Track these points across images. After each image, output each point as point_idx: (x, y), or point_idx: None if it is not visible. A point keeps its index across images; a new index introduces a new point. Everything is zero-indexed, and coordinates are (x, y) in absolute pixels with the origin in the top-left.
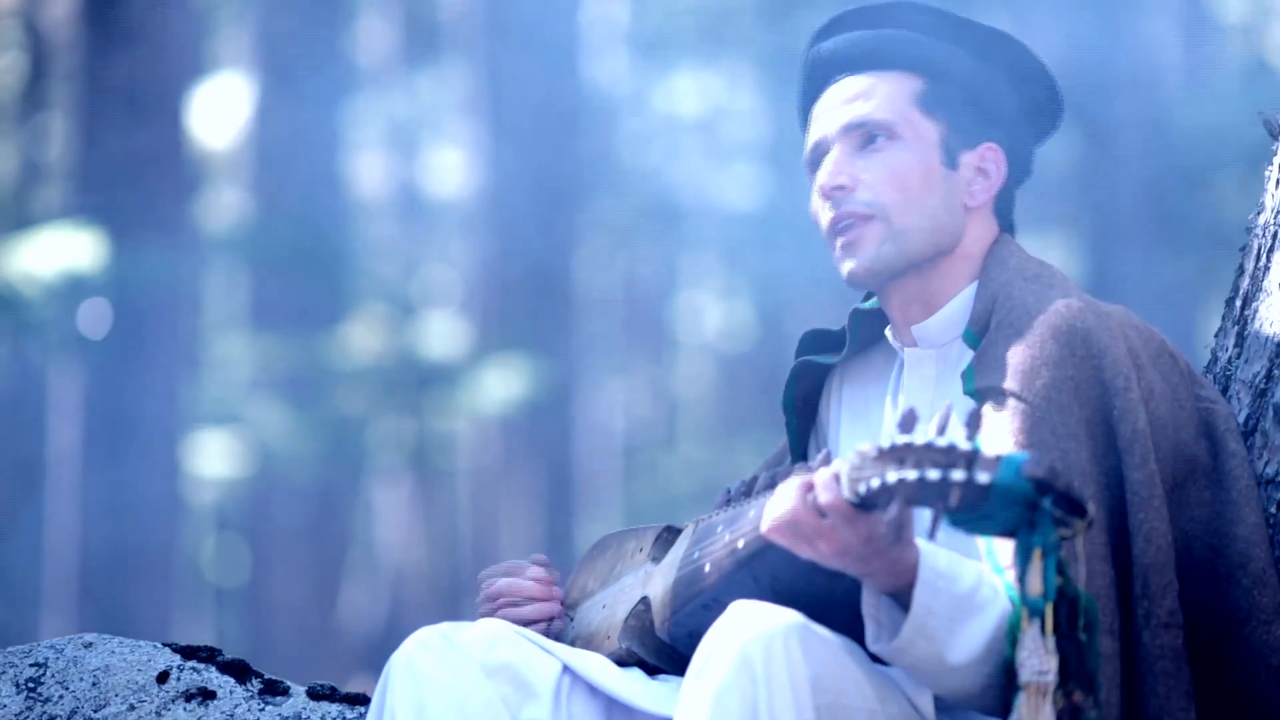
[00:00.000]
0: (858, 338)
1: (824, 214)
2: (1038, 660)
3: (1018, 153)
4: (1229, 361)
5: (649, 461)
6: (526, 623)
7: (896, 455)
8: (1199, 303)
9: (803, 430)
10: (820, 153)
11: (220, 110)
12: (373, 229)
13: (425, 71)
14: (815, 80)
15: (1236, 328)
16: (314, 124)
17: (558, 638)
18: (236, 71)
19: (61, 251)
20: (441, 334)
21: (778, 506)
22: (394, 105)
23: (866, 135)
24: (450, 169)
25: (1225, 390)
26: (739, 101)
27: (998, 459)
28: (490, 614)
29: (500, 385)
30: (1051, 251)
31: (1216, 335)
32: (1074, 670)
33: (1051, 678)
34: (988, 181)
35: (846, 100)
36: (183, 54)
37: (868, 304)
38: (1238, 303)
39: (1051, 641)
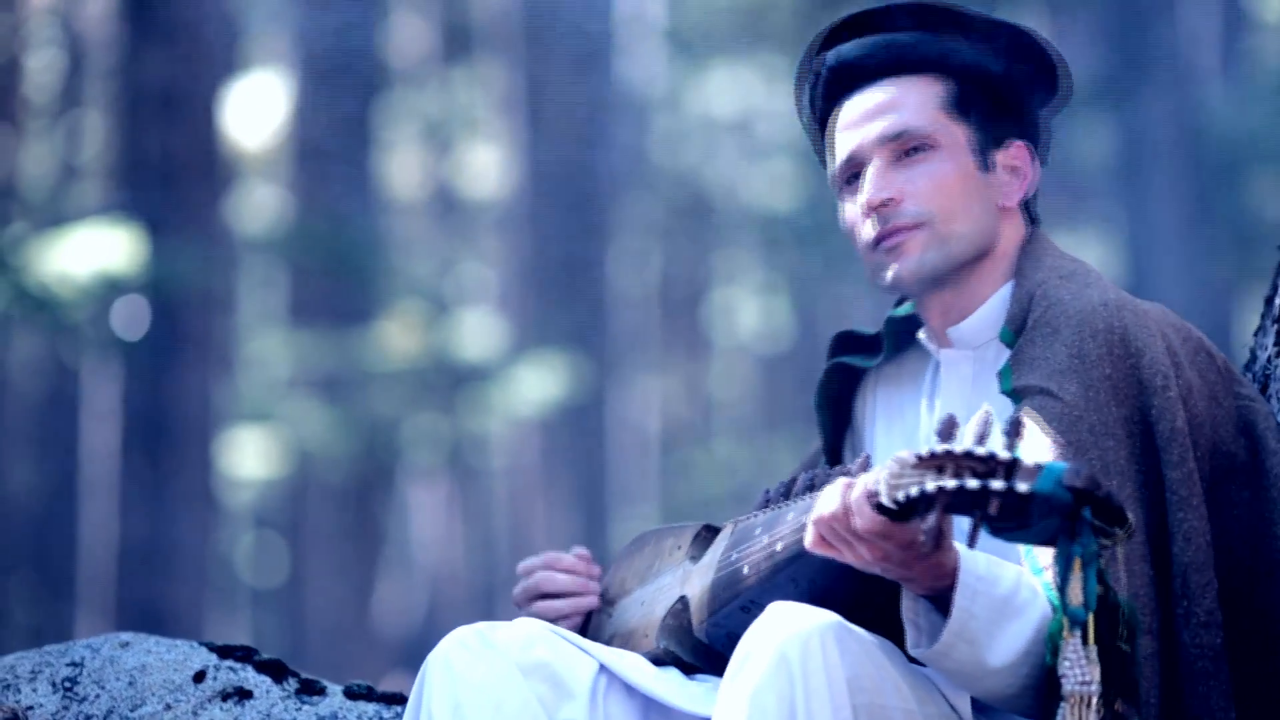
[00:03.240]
0: (892, 343)
1: (867, 229)
2: (1080, 670)
3: (1040, 143)
4: (1268, 360)
5: (684, 461)
6: (561, 617)
7: (935, 463)
8: (1237, 300)
9: (836, 432)
10: (854, 167)
11: (256, 109)
12: (408, 227)
13: (460, 70)
14: (831, 91)
15: (1276, 325)
16: (349, 122)
17: (596, 633)
18: (272, 70)
19: (97, 250)
20: (477, 333)
21: (817, 517)
22: (429, 104)
23: (904, 146)
24: (485, 167)
25: (1264, 389)
26: (775, 100)
27: (1038, 468)
28: (524, 605)
29: (535, 384)
30: (1088, 249)
31: (1256, 333)
32: (1116, 679)
33: (1095, 688)
34: (1020, 180)
35: (876, 110)
36: (219, 52)
37: (900, 310)
38: (1277, 301)
39: (1094, 651)
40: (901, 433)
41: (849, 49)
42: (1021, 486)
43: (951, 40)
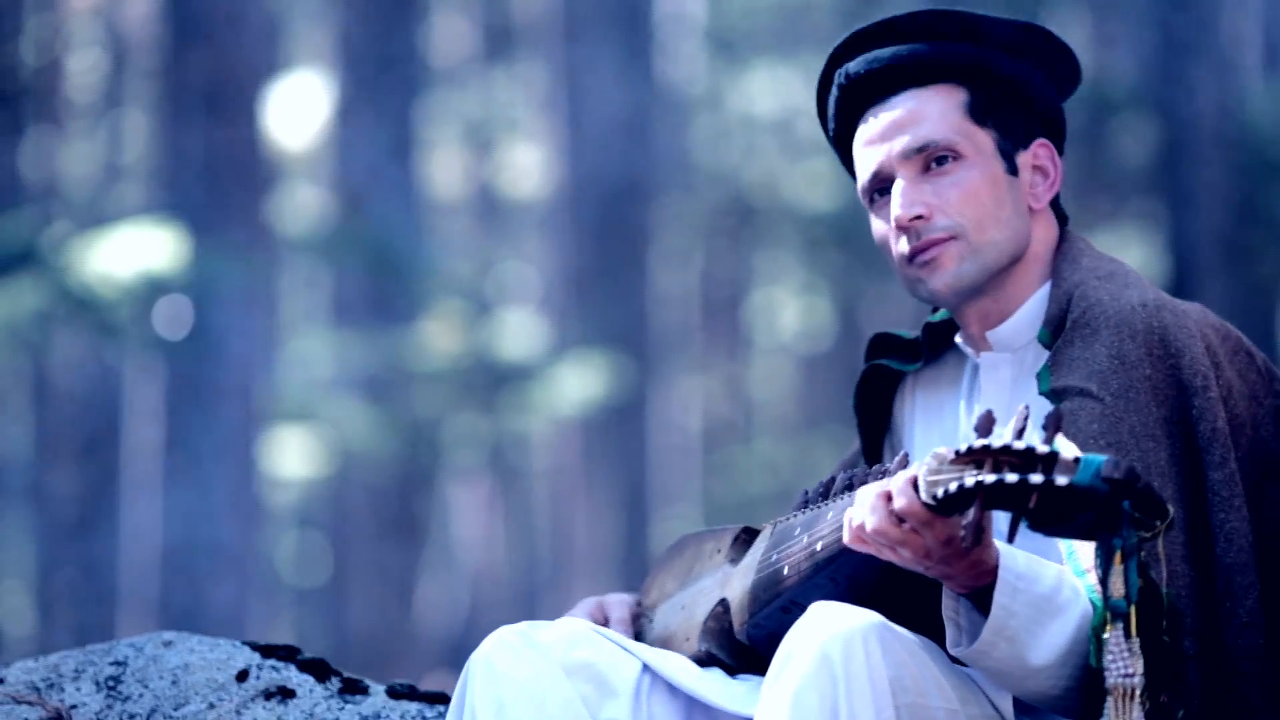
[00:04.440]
0: (931, 349)
1: (900, 245)
2: (1123, 663)
3: (1058, 138)
4: None
5: (725, 460)
6: None
7: (974, 458)
8: (1276, 300)
9: (875, 433)
10: (882, 181)
11: (298, 109)
12: (449, 227)
13: (501, 70)
14: (849, 106)
15: None
16: (390, 122)
17: (637, 638)
18: (314, 70)
19: (139, 250)
20: (518, 332)
21: (857, 514)
22: (471, 104)
23: (929, 158)
24: (527, 167)
25: None
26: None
27: (1076, 461)
28: None
29: (577, 384)
30: (1129, 248)
31: None
32: (1160, 672)
33: (1138, 680)
34: (1047, 180)
35: (897, 125)
36: (260, 53)
37: (937, 316)
38: None
39: (1136, 643)
40: (940, 435)
41: (863, 64)
42: (1060, 480)
43: (964, 46)
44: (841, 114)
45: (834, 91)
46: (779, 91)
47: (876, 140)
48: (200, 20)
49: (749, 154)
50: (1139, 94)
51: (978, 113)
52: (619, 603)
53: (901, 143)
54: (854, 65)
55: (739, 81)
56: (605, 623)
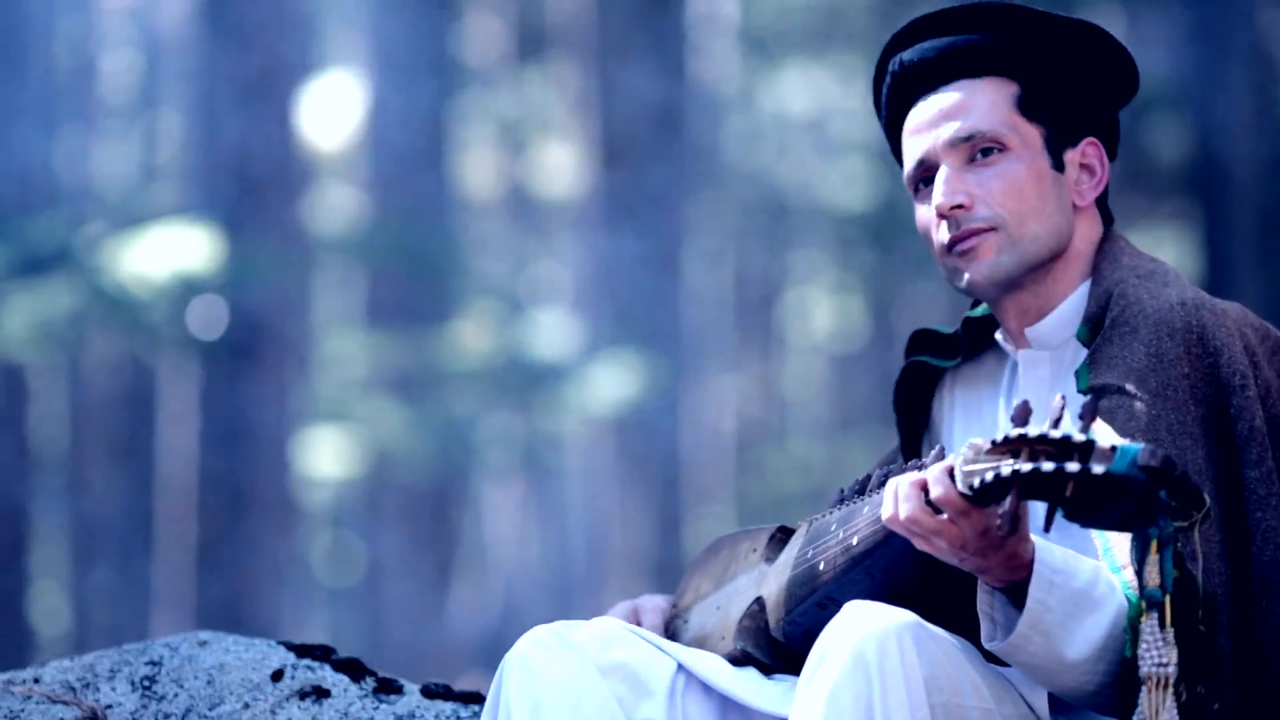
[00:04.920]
0: (970, 345)
1: (940, 233)
2: (1157, 652)
3: (1110, 140)
4: None
5: (760, 460)
6: None
7: (1010, 447)
8: None
9: (914, 430)
10: (926, 170)
11: (332, 109)
12: (483, 227)
13: (535, 69)
14: (901, 94)
15: None
16: (425, 122)
17: (672, 638)
18: (348, 70)
19: (174, 251)
20: (551, 332)
21: (894, 500)
22: (504, 103)
23: (975, 148)
24: (560, 167)
25: None
26: (849, 98)
27: (1113, 449)
28: None
29: (610, 384)
30: (1165, 247)
31: None
32: (1196, 662)
33: (1172, 669)
34: (1094, 178)
35: (946, 114)
36: (294, 52)
37: (976, 311)
38: None
39: (1171, 633)
40: (980, 432)
41: (917, 53)
42: (1097, 468)
43: (1020, 40)
44: (893, 101)
45: (887, 79)
46: (812, 90)
47: (924, 128)
48: (234, 20)
49: (782, 153)
50: (1174, 92)
51: (1028, 107)
52: (652, 608)
53: (949, 131)
54: (908, 53)
55: (772, 81)
56: (639, 626)
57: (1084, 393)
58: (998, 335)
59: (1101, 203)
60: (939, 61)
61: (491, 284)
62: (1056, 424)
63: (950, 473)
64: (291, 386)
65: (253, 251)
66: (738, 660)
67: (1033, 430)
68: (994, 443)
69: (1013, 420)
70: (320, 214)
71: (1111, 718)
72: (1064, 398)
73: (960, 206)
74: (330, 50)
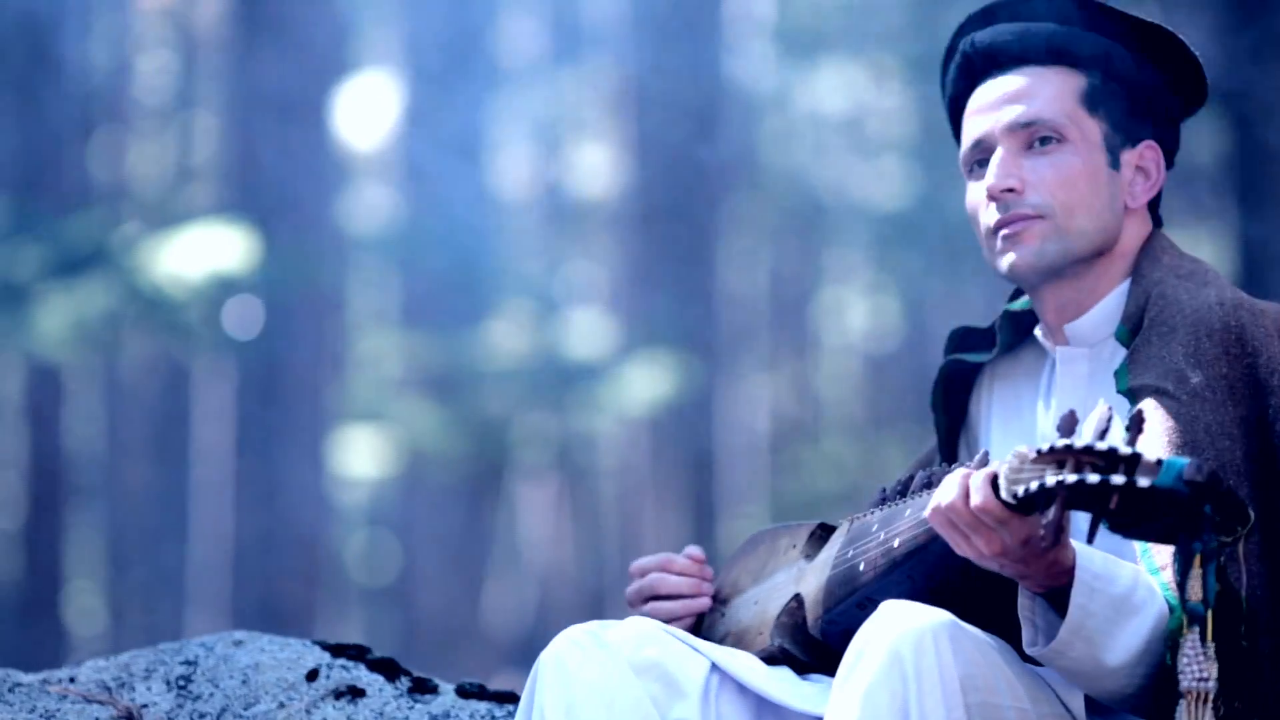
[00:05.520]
0: (1008, 338)
1: (988, 215)
2: (1198, 667)
3: (1170, 147)
4: None
5: (794, 460)
6: (674, 618)
7: (1056, 458)
8: None
9: (952, 429)
10: (983, 151)
11: (367, 109)
12: (517, 226)
13: (569, 69)
14: (968, 73)
15: None
16: (459, 122)
17: (709, 632)
18: (383, 71)
19: (209, 251)
20: (586, 332)
21: (939, 502)
22: (538, 103)
23: (1034, 136)
24: (595, 167)
25: None
26: (885, 97)
27: (1159, 463)
28: (637, 605)
29: (645, 383)
30: (1201, 247)
31: None
32: (1235, 678)
33: (1213, 684)
34: (1148, 181)
35: (1009, 98)
36: (330, 53)
37: (1017, 304)
38: None
39: (1212, 648)
40: (1018, 430)
41: (989, 34)
42: (1143, 482)
43: (1093, 35)
44: (960, 81)
45: (957, 57)
46: (848, 90)
47: (986, 109)
48: (270, 21)
49: (818, 152)
50: (1213, 90)
51: (1092, 102)
52: (685, 561)
53: (1010, 114)
54: (982, 35)
55: (808, 80)
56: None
57: (1123, 393)
58: (1037, 331)
59: (1153, 207)
60: (1011, 46)
61: (526, 283)
62: (1103, 434)
63: (993, 481)
64: (326, 386)
65: (288, 251)
66: (774, 657)
67: (1079, 441)
68: (1039, 452)
69: (1059, 430)
70: (355, 214)
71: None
72: (1111, 408)
73: (1011, 190)
74: (366, 50)
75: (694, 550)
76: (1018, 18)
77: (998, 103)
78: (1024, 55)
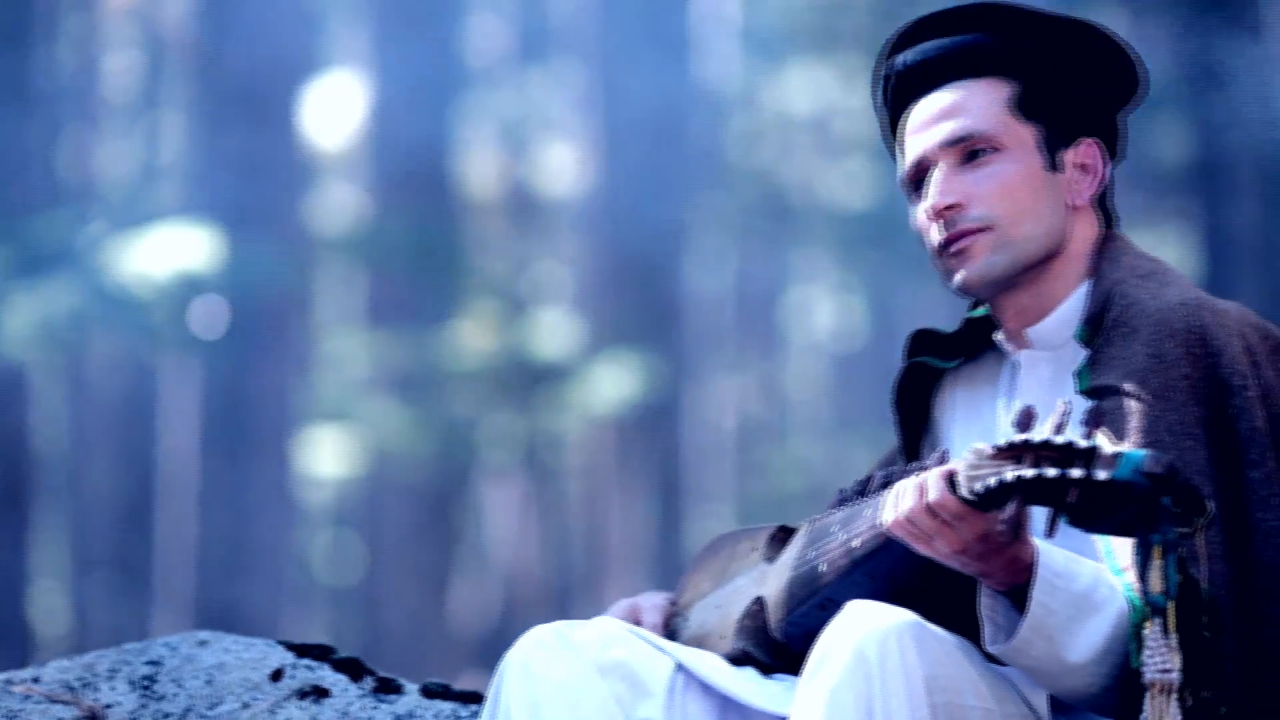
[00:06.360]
0: (970, 345)
1: (934, 234)
2: (1161, 658)
3: (1111, 140)
4: None
5: (760, 460)
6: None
7: (1013, 453)
8: None
9: (914, 431)
10: (921, 170)
11: (334, 109)
12: (484, 226)
13: (537, 69)
14: (899, 96)
15: None
16: (426, 121)
17: (672, 636)
18: (349, 69)
19: (175, 250)
20: (552, 332)
21: (896, 503)
22: (505, 103)
23: (969, 149)
24: (562, 166)
25: None
26: (851, 98)
27: (1117, 456)
28: None
29: (611, 383)
30: (1165, 247)
31: None
32: (1200, 668)
33: (1176, 675)
34: (1090, 178)
35: (941, 114)
36: (296, 52)
37: (978, 311)
38: None
39: (1175, 639)
40: (979, 433)
41: (916, 54)
42: (1101, 474)
43: (1018, 41)
44: (893, 102)
45: (888, 80)
46: (815, 90)
47: (920, 129)
48: (237, 20)
49: (784, 153)
50: (1178, 92)
51: (1023, 107)
52: (652, 606)
53: (944, 131)
54: (908, 54)
55: (775, 80)
56: (638, 625)
57: (1084, 394)
58: (997, 336)
59: (1104, 203)
60: (937, 62)
61: (493, 283)
62: (1060, 429)
63: (949, 478)
64: (292, 386)
65: (254, 251)
66: (737, 660)
67: (1036, 436)
68: (997, 448)
69: (1016, 425)
70: (322, 213)
71: (1112, 719)
72: (1069, 402)
73: (953, 207)
74: (332, 49)
75: (660, 601)
76: (940, 34)
77: (930, 120)
78: (950, 71)
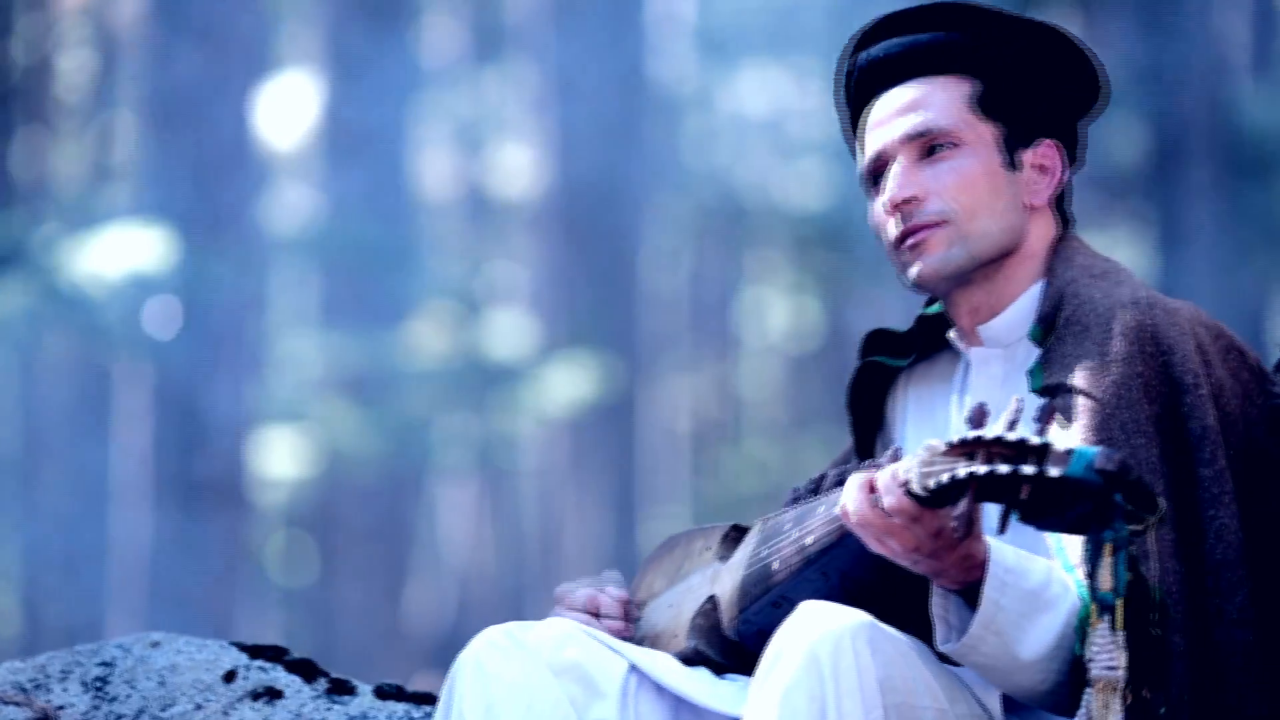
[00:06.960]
0: (923, 343)
1: (891, 227)
2: (1108, 656)
3: (1071, 145)
4: None
5: (715, 460)
6: None
7: (966, 450)
8: (1268, 300)
9: (868, 430)
10: (881, 165)
11: (288, 109)
12: (439, 227)
13: (491, 69)
14: (862, 90)
15: None
16: (380, 122)
17: (625, 638)
18: (303, 70)
19: (128, 251)
20: (507, 333)
21: (845, 504)
22: (460, 103)
23: (929, 144)
24: (516, 167)
25: None
26: (806, 99)
27: (1069, 453)
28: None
29: (566, 384)
30: (1119, 248)
31: None
32: (1145, 666)
33: (1122, 673)
34: (1048, 179)
35: (902, 109)
36: (250, 52)
37: (932, 309)
38: None
39: (1122, 637)
40: (932, 431)
41: (879, 50)
42: (1053, 471)
43: (981, 40)
44: (855, 97)
45: (850, 75)
46: (769, 92)
47: (880, 123)
48: (190, 20)
49: (739, 154)
50: (1131, 93)
51: (985, 105)
52: (612, 603)
53: (904, 126)
54: (871, 50)
55: (729, 81)
56: (598, 613)
57: (1037, 392)
58: (951, 334)
59: (1061, 205)
60: (900, 59)
61: (447, 284)
62: (1013, 426)
63: (899, 480)
64: (246, 387)
65: (208, 252)
66: (690, 659)
67: (989, 432)
68: (950, 445)
69: (969, 422)
70: (275, 214)
71: (1065, 717)
72: (1021, 400)
73: (911, 200)
74: (286, 50)
75: (616, 591)
76: (904, 30)
77: (891, 115)
78: (913, 67)
